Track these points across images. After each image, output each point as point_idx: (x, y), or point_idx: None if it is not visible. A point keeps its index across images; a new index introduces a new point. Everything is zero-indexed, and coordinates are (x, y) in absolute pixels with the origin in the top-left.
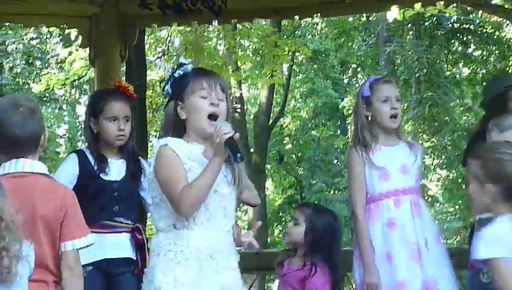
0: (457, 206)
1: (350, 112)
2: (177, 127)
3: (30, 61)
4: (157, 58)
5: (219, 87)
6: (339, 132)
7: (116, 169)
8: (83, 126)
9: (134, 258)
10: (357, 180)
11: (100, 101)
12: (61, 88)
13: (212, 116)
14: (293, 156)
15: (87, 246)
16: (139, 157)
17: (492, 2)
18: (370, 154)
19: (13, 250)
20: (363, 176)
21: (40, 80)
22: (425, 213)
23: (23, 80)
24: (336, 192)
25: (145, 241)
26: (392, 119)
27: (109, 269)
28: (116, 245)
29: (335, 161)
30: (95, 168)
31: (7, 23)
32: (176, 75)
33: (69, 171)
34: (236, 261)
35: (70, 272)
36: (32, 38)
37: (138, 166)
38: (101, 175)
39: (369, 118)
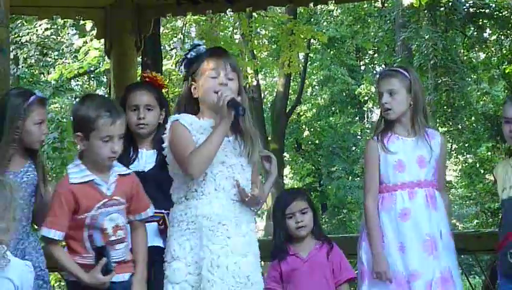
0: (474, 192)
1: (366, 98)
2: (191, 105)
3: (44, 52)
4: (173, 48)
5: (229, 66)
6: (356, 118)
7: (144, 159)
8: None
9: (163, 246)
10: (370, 169)
11: (125, 93)
12: (76, 79)
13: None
14: (311, 143)
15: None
16: None
17: None
18: (385, 141)
19: None
20: (377, 166)
21: (55, 69)
22: (441, 207)
23: (38, 71)
24: (355, 178)
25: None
26: (385, 112)
27: None
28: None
29: (353, 148)
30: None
31: (23, 16)
32: (189, 56)
33: None
34: (249, 228)
35: None
36: (46, 29)
37: None
38: (130, 166)
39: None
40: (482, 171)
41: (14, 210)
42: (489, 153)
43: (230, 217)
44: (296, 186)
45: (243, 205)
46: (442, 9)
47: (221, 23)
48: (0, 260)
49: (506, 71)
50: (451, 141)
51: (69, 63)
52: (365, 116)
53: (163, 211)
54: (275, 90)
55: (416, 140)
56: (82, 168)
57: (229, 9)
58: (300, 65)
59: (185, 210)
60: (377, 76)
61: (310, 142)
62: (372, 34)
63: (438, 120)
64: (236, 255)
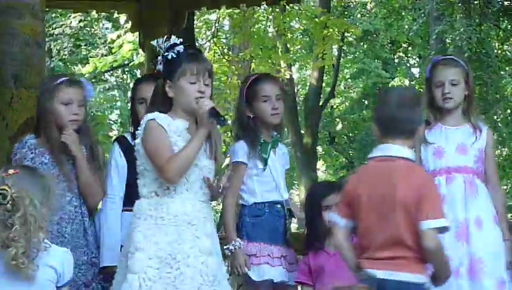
0: (510, 185)
1: None
2: (164, 103)
3: (78, 44)
4: (207, 41)
5: (207, 73)
6: None
7: None
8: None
9: None
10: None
11: (133, 87)
12: (110, 72)
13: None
14: (344, 136)
15: (442, 228)
16: None
17: None
18: (426, 131)
19: (22, 243)
20: (418, 154)
21: (88, 62)
22: (482, 195)
23: (72, 63)
24: None
25: None
26: (444, 100)
27: None
28: None
29: None
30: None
31: (58, 9)
32: (169, 57)
33: (119, 164)
34: (213, 228)
35: (427, 251)
36: (80, 21)
37: None
38: None
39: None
40: None
41: (52, 200)
42: None
43: (199, 217)
44: (330, 180)
45: (208, 206)
46: (476, 2)
47: (255, 16)
48: (41, 246)
49: None
50: None
51: (102, 55)
52: None
53: None
54: (308, 83)
55: (462, 129)
56: None
57: (263, 3)
58: (334, 58)
59: (155, 206)
60: (433, 63)
61: (343, 136)
62: (406, 27)
63: None
64: (205, 254)
